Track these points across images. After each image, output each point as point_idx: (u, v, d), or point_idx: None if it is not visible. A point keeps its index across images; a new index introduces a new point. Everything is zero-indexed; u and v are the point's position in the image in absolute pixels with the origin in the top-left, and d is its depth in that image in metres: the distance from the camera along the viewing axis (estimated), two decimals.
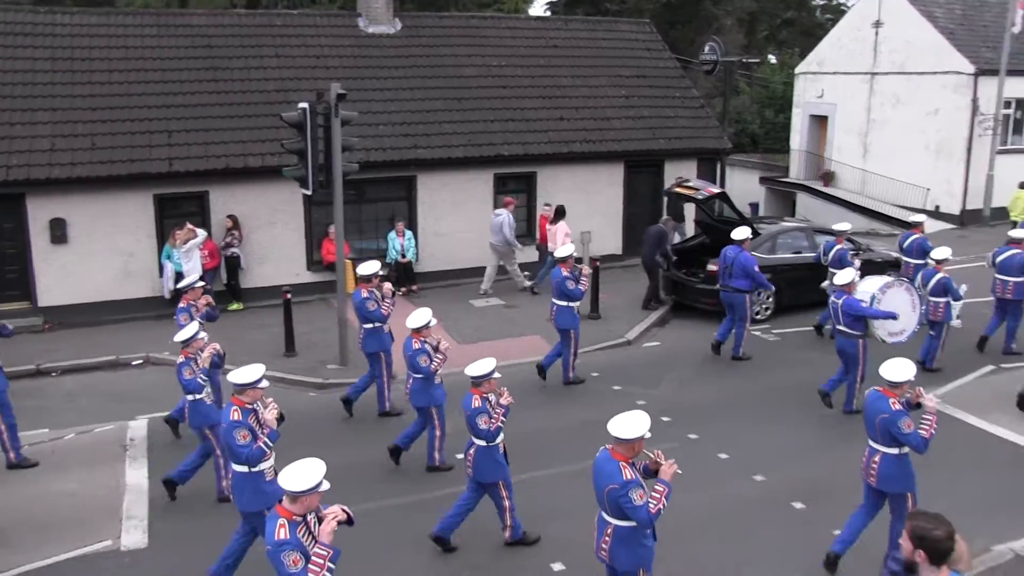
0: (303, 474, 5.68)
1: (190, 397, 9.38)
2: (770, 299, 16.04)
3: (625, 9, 45.63)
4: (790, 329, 15.70)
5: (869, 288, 11.85)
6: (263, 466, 7.58)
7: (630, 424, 6.31)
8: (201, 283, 12.01)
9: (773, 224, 18.09)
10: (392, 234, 18.22)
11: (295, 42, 19.69)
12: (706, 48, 24.22)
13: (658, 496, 6.32)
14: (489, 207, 18.98)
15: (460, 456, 9.16)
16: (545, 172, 19.70)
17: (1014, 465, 10.17)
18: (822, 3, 63.12)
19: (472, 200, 19.11)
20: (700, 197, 16.56)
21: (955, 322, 13.31)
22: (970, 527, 8.14)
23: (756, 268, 13.76)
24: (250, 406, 7.72)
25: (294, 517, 5.68)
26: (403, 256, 18.11)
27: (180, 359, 9.46)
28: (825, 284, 14.34)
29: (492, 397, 8.17)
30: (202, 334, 9.86)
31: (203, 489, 9.62)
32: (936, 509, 4.87)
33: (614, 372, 13.52)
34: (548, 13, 49.78)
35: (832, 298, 11.75)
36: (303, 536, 5.66)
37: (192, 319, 10.92)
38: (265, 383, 7.85)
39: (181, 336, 9.59)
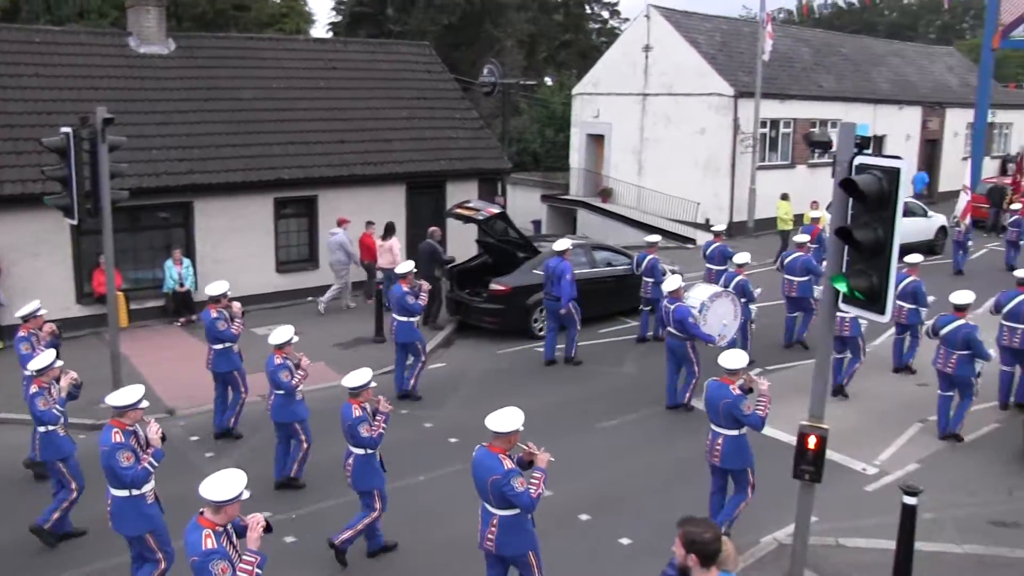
0: (225, 484, 5.82)
1: (43, 428, 8.99)
2: None
3: (408, 30, 46.03)
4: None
5: (700, 295, 13.05)
6: (145, 488, 7.49)
7: (506, 419, 6.90)
8: (44, 311, 11.28)
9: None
10: (169, 262, 17.56)
11: (59, 61, 18.55)
12: (485, 70, 24.93)
13: (536, 482, 6.86)
14: (271, 232, 18.76)
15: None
16: (327, 196, 19.60)
17: (780, 461, 11.01)
18: (597, 26, 66.19)
19: (253, 226, 18.73)
20: (480, 218, 17.04)
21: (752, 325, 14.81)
22: (744, 523, 9.03)
23: (569, 277, 14.63)
24: (130, 428, 7.56)
25: (217, 527, 5.77)
26: (181, 285, 17.51)
27: (33, 388, 8.97)
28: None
29: (368, 406, 8.49)
30: (59, 362, 9.32)
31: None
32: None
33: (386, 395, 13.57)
34: (330, 34, 49.47)
35: (664, 302, 12.87)
36: (225, 545, 5.78)
37: (34, 349, 10.38)
38: (145, 403, 7.76)
39: (37, 364, 9.08)
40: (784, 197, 24.22)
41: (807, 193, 25.60)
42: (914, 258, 14.67)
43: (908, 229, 23.14)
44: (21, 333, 10.96)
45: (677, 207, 28.44)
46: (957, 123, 38.15)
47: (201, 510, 5.88)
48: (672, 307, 12.62)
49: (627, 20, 51.50)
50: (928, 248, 23.24)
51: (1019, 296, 12.68)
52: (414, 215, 20.92)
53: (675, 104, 29.32)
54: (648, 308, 16.40)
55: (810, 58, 33.50)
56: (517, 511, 6.87)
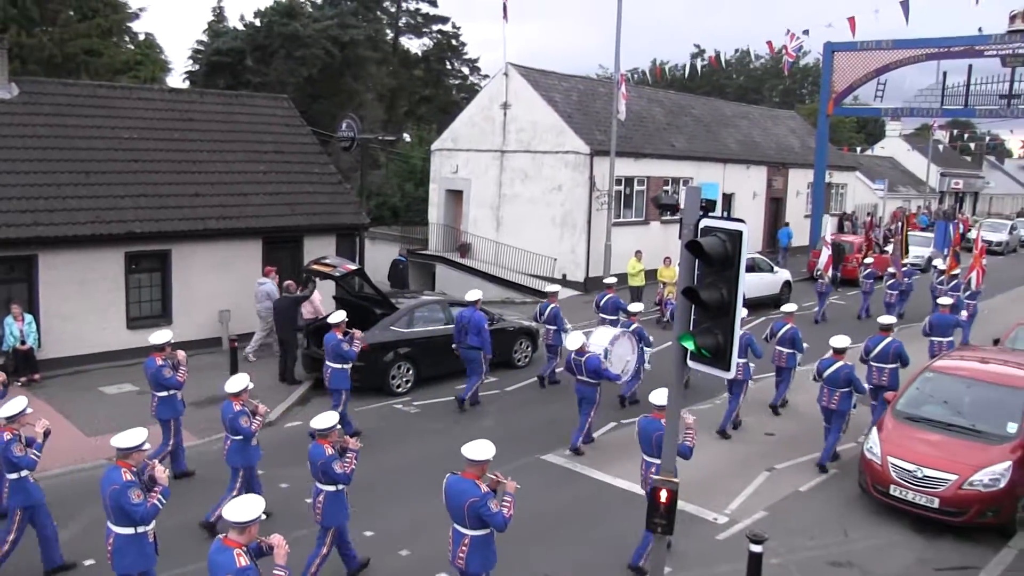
0: (247, 506, 6.60)
1: (14, 475, 9.14)
2: (410, 371, 16.73)
3: (267, 82, 45.64)
4: (430, 400, 16.42)
5: (601, 341, 14.26)
6: (147, 528, 7.91)
7: (480, 449, 7.81)
8: None
9: (412, 298, 18.92)
10: (9, 319, 16.64)
11: None
12: (343, 125, 24.89)
13: (508, 504, 7.68)
14: (121, 287, 18.12)
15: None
16: (181, 250, 19.07)
17: (630, 507, 11.40)
18: (457, 82, 67.22)
19: (102, 280, 18.01)
20: (337, 274, 17.01)
21: (647, 365, 16.25)
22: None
23: (485, 326, 15.64)
24: (135, 468, 7.97)
25: (244, 546, 6.51)
26: (23, 343, 16.61)
27: (6, 436, 9.08)
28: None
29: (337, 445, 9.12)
30: (30, 409, 9.49)
31: None
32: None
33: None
34: (187, 83, 48.46)
35: (573, 355, 13.72)
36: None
37: None
38: (148, 446, 8.26)
39: (7, 411, 9.25)
40: (637, 256, 25.08)
41: (661, 249, 26.66)
42: (790, 307, 16.59)
43: (755, 284, 24.77)
44: None
45: (534, 262, 28.99)
46: (799, 182, 40.63)
47: (222, 534, 6.65)
48: (583, 359, 13.64)
49: (487, 76, 52.48)
50: (774, 302, 24.56)
51: (884, 340, 14.56)
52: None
53: (532, 161, 30.01)
54: (552, 355, 17.73)
55: (663, 118, 34.94)
56: (487, 531, 7.71)
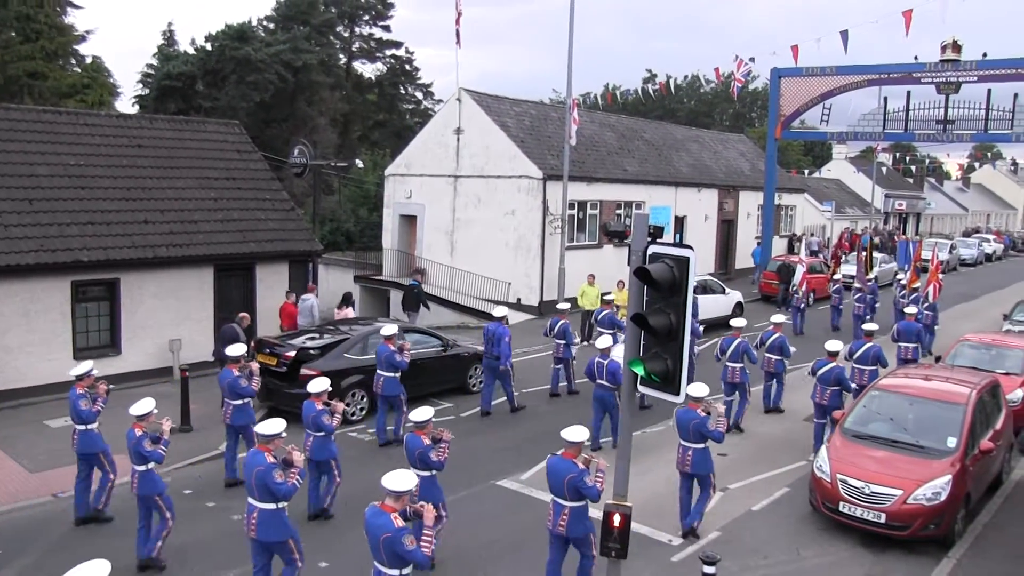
0: (403, 478, 7.58)
1: None
2: (364, 399, 16.62)
3: (219, 106, 45.37)
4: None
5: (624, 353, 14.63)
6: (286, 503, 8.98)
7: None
8: None
9: (366, 325, 18.75)
10: None
11: None
12: (295, 151, 24.84)
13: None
14: (67, 316, 17.80)
15: None
16: (129, 278, 18.80)
17: None
18: (411, 107, 67.39)
19: (47, 310, 17.68)
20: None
21: None
22: None
23: (507, 339, 16.89)
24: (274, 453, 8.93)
25: (398, 511, 7.41)
26: None
27: None
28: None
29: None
30: None
31: None
32: None
33: (209, 488, 13.10)
34: (136, 107, 47.96)
35: (597, 358, 14.90)
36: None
37: None
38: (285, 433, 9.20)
39: None
40: (590, 280, 25.23)
41: (615, 272, 26.80)
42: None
43: (708, 305, 25.08)
44: None
45: (489, 287, 29.02)
46: (749, 205, 41.25)
47: (378, 501, 7.53)
48: (605, 362, 14.70)
49: (441, 101, 52.66)
50: (726, 323, 24.83)
51: (865, 345, 16.56)
52: (222, 298, 20.37)
53: (486, 186, 30.10)
54: (558, 366, 18.83)
55: (615, 143, 35.27)
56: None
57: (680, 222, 36.00)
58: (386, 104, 64.86)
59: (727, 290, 27.95)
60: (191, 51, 50.31)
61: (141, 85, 49.92)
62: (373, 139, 61.48)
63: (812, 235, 48.71)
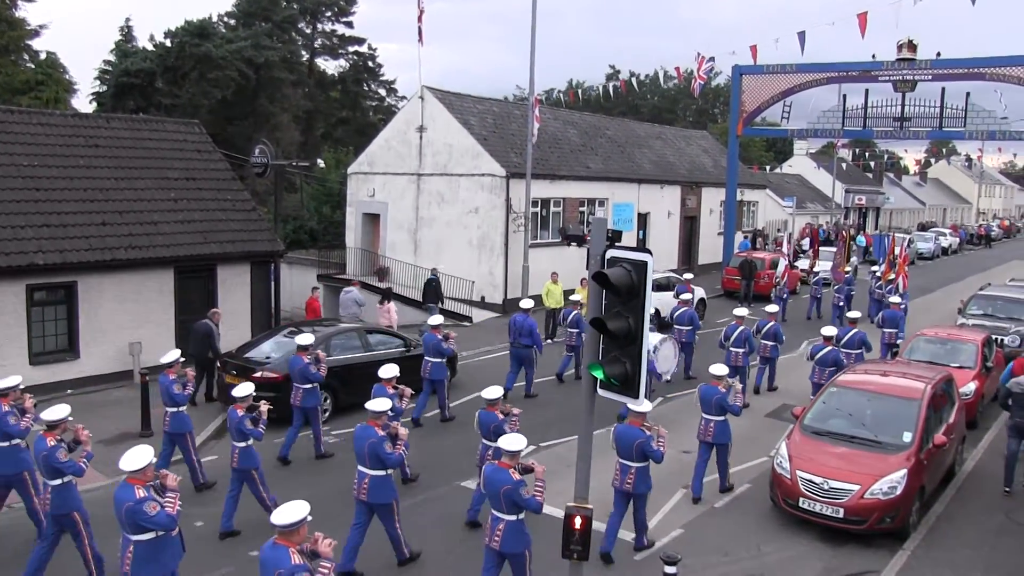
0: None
1: None
2: (327, 400, 16.52)
3: (179, 104, 44.85)
4: (348, 429, 16.08)
5: (652, 340, 15.41)
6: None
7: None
8: None
9: (329, 326, 18.65)
10: None
11: None
12: (256, 151, 24.61)
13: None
14: (23, 321, 17.51)
15: None
16: (88, 281, 18.54)
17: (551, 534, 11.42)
18: (374, 104, 67.01)
19: (1, 314, 17.35)
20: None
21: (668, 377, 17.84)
22: None
23: (536, 330, 18.34)
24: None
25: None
26: None
27: None
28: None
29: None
30: None
31: None
32: None
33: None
34: (94, 104, 47.25)
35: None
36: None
37: None
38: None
39: None
40: (554, 280, 25.27)
41: (578, 270, 26.80)
42: (771, 308, 20.22)
43: (671, 302, 25.10)
44: None
45: (453, 285, 28.94)
46: (712, 201, 41.56)
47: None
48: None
49: (404, 98, 52.38)
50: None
51: (851, 331, 18.32)
52: (183, 301, 20.16)
53: (449, 184, 30.05)
54: (570, 354, 20.29)
55: (578, 140, 35.37)
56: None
57: (643, 219, 36.18)
58: (349, 101, 64.43)
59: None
60: (150, 47, 49.62)
61: (99, 82, 49.10)
62: (336, 136, 61.11)
63: (779, 231, 49.09)
